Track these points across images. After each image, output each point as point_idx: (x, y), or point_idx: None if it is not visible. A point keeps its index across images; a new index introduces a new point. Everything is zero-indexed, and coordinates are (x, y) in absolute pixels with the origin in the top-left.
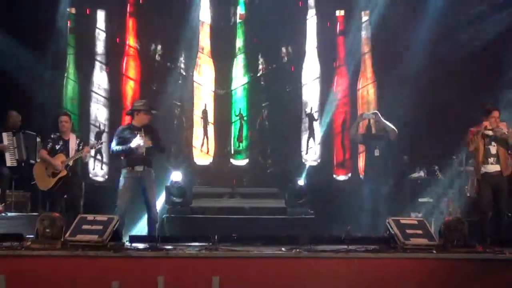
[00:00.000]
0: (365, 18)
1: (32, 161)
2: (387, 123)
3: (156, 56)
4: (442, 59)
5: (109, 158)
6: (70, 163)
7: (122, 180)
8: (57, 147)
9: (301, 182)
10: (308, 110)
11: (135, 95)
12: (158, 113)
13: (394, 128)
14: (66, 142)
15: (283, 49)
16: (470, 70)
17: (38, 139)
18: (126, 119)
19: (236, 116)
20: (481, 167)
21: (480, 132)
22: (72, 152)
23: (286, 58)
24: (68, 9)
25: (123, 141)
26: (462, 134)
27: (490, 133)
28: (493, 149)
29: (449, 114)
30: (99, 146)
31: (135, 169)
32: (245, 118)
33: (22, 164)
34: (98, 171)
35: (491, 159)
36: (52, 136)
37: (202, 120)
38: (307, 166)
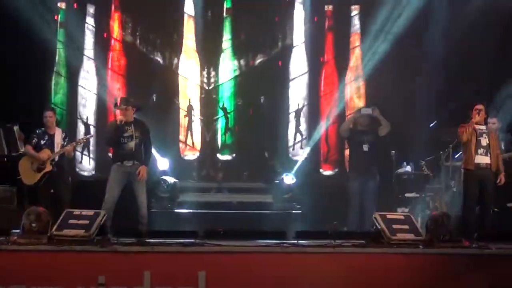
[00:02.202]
0: (354, 12)
1: (13, 154)
2: (383, 118)
3: (142, 50)
4: (431, 52)
5: (96, 153)
6: (56, 158)
7: (111, 174)
8: (42, 142)
9: (288, 177)
10: (295, 105)
11: (122, 90)
12: (142, 107)
13: (388, 123)
14: (52, 137)
15: (270, 44)
16: (459, 62)
17: (15, 127)
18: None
19: (223, 111)
20: (473, 158)
21: (472, 125)
22: (57, 146)
23: (273, 53)
24: (58, 4)
25: (113, 136)
26: (449, 128)
27: (482, 127)
28: (483, 141)
29: (436, 108)
30: (85, 140)
31: (124, 164)
32: (229, 113)
33: (5, 159)
34: (85, 165)
35: (480, 150)
36: (37, 131)
37: (187, 114)
38: (294, 161)
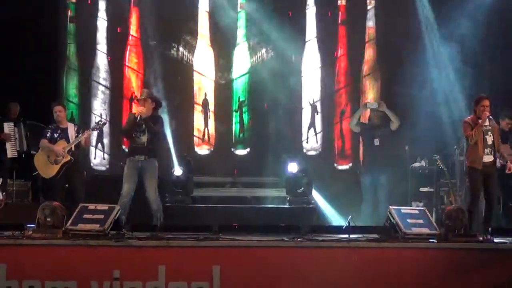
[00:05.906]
0: (369, 6)
1: (33, 152)
2: (391, 113)
3: (158, 45)
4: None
5: (110, 147)
6: (72, 148)
7: (125, 169)
8: (56, 135)
9: (292, 165)
10: (309, 100)
11: (136, 85)
12: (160, 101)
13: (397, 118)
14: (64, 130)
15: (284, 39)
16: (474, 57)
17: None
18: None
19: (237, 106)
20: (481, 158)
21: (481, 127)
22: (71, 139)
23: (287, 48)
24: None
25: (130, 127)
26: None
27: (486, 123)
28: (489, 139)
29: (450, 103)
30: (100, 127)
31: (136, 158)
32: (246, 108)
33: (23, 155)
34: (99, 160)
35: (487, 150)
36: (50, 126)
37: (202, 109)
38: (308, 156)
